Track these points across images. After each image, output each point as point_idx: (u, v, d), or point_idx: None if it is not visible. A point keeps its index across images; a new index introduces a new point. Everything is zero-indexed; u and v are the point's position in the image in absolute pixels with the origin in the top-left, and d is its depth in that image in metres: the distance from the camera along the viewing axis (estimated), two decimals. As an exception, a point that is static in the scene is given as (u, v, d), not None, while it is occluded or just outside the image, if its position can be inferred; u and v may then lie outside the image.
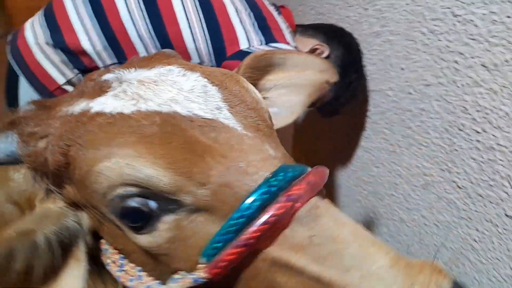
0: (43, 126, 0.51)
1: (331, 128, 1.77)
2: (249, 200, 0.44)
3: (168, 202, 0.46)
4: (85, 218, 0.54)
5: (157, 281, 0.50)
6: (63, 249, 0.50)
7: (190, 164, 0.45)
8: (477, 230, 1.10)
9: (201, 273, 0.45)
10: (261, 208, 0.44)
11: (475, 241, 1.11)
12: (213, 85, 0.53)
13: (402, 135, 1.32)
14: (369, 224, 1.59)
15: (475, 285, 1.14)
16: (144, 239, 0.48)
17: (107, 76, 0.55)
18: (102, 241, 0.55)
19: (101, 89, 0.53)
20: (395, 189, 1.41)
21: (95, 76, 0.57)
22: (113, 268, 0.52)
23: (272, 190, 0.44)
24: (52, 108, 0.54)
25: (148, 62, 0.58)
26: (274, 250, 0.45)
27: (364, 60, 1.43)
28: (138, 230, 0.48)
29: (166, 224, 0.47)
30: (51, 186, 0.52)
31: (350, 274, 0.42)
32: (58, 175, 0.51)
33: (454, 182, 1.15)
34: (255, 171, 0.45)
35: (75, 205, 0.53)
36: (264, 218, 0.43)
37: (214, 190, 0.45)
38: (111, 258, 0.53)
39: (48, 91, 1.20)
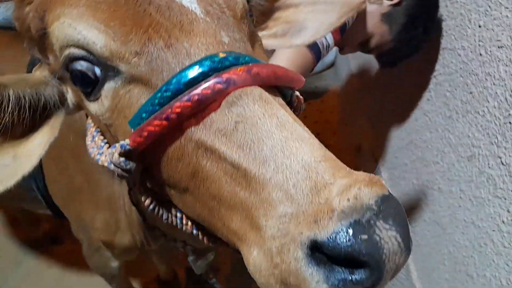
0: None
1: (395, 83, 1.67)
2: (179, 76, 0.43)
3: (108, 69, 0.47)
4: (69, 93, 0.56)
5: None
6: (37, 114, 0.54)
7: (129, 32, 0.45)
8: (508, 211, 1.01)
9: (127, 141, 0.46)
10: (190, 85, 0.43)
11: (503, 223, 1.02)
12: None
13: (462, 100, 1.21)
14: (408, 190, 1.53)
15: (491, 266, 1.07)
16: (92, 107, 0.51)
17: None
18: (88, 121, 0.59)
19: None
20: (442, 157, 1.32)
21: None
22: (87, 141, 0.56)
23: (204, 70, 0.43)
24: None
25: None
26: (200, 132, 0.44)
27: (444, 14, 1.30)
28: (88, 96, 0.50)
29: (106, 92, 0.48)
30: (37, 53, 0.55)
31: (266, 165, 0.41)
32: (40, 42, 0.53)
33: (499, 157, 1.05)
34: (197, 53, 0.44)
35: (61, 78, 0.55)
36: (188, 95, 0.43)
37: (149, 62, 0.45)
38: (90, 131, 0.57)
39: None
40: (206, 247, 0.88)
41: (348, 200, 0.37)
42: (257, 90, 0.44)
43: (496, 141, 1.06)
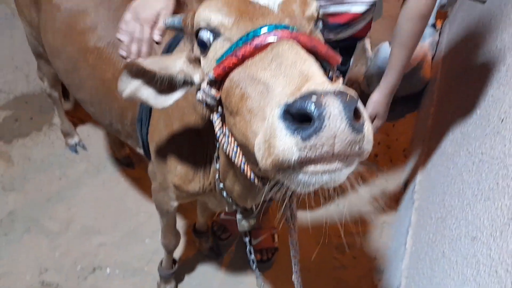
0: (192, 8, 0.86)
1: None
2: (246, 35, 0.68)
3: (216, 34, 0.74)
4: (197, 75, 0.84)
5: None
6: (170, 85, 0.88)
7: (234, 16, 0.71)
8: (475, 298, 1.12)
9: (212, 72, 0.72)
10: (250, 40, 0.67)
11: (468, 305, 1.13)
12: None
13: (490, 186, 1.29)
14: (423, 236, 1.63)
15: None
16: (203, 60, 0.79)
17: None
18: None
19: None
20: (456, 226, 1.41)
21: None
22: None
23: (263, 32, 0.67)
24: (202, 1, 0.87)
25: None
26: (252, 65, 0.66)
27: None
28: (203, 53, 0.78)
29: (211, 48, 0.75)
30: (187, 43, 0.85)
31: (280, 75, 0.61)
32: (192, 34, 0.81)
33: (490, 250, 1.15)
34: (260, 24, 0.69)
35: (194, 61, 0.84)
36: (249, 44, 0.66)
37: (238, 29, 0.71)
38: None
39: None
40: (242, 204, 1.13)
41: (316, 86, 0.53)
42: (292, 41, 0.66)
43: (494, 235, 1.15)
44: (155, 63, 0.85)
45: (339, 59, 0.72)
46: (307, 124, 0.50)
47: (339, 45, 1.40)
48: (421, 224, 1.81)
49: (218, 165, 1.06)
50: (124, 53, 1.07)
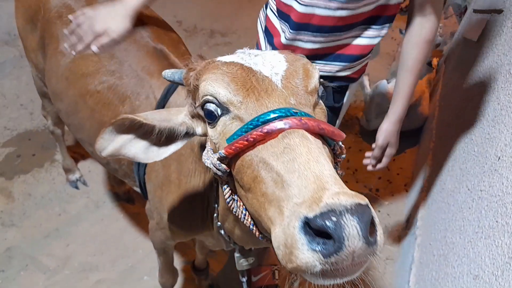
0: (196, 66, 0.86)
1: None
2: (259, 118, 0.70)
3: (224, 109, 0.76)
4: (199, 128, 0.89)
5: (216, 162, 0.80)
6: (170, 137, 0.89)
7: (240, 92, 0.74)
8: None
9: (222, 150, 0.74)
10: (263, 123, 0.69)
11: None
12: (285, 61, 0.79)
13: (490, 225, 1.28)
14: (427, 272, 1.60)
15: None
16: (210, 131, 0.81)
17: (245, 49, 0.86)
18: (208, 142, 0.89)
19: (233, 53, 0.86)
20: (458, 265, 1.39)
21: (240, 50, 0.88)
22: (204, 154, 0.86)
23: (272, 117, 0.69)
24: (204, 57, 0.90)
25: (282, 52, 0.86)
26: (263, 151, 0.68)
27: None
28: (210, 125, 0.80)
29: (220, 123, 0.77)
30: (189, 99, 0.88)
31: (294, 174, 0.63)
32: (193, 92, 0.85)
33: (493, 289, 1.13)
34: (271, 106, 0.72)
35: (195, 116, 0.88)
36: (261, 128, 0.68)
37: (246, 109, 0.73)
38: (207, 148, 0.86)
39: None
40: (241, 244, 1.13)
41: (333, 199, 0.56)
42: (302, 131, 0.68)
43: (496, 274, 1.14)
44: (153, 117, 0.87)
45: (343, 135, 0.75)
46: (326, 236, 0.55)
47: (332, 83, 1.43)
48: (424, 261, 1.78)
49: (216, 205, 1.07)
50: (67, 48, 1.29)
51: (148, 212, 1.45)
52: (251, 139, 0.69)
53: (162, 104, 1.23)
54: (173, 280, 1.69)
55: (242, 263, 1.15)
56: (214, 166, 0.77)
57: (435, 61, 3.27)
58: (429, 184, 2.13)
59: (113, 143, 0.88)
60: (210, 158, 0.80)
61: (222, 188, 0.83)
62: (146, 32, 1.42)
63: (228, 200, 0.82)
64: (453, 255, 1.44)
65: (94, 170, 2.50)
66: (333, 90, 1.48)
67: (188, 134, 0.90)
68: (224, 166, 0.76)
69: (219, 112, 0.76)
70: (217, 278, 2.05)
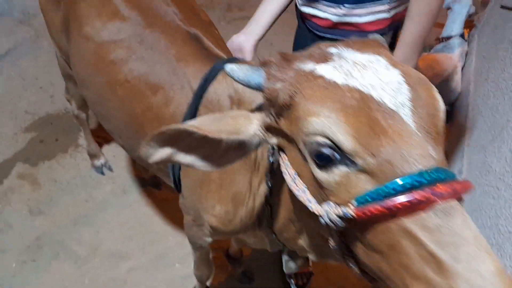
0: (282, 72, 0.70)
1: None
2: (403, 181, 0.58)
3: (346, 158, 0.62)
4: (273, 140, 0.76)
5: (315, 199, 0.70)
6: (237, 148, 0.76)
7: (369, 138, 0.60)
8: None
9: (350, 210, 0.61)
10: (409, 190, 0.57)
11: None
12: (406, 85, 0.64)
13: None
14: None
15: None
16: (320, 174, 0.66)
17: (332, 50, 0.71)
18: (284, 156, 0.77)
19: (325, 58, 0.69)
20: None
21: (323, 46, 0.73)
22: (288, 178, 0.74)
23: (422, 181, 0.57)
24: (289, 61, 0.72)
25: (363, 45, 0.71)
26: (408, 222, 0.58)
27: None
28: (318, 166, 0.65)
29: (339, 171, 0.63)
30: (272, 111, 0.73)
31: (459, 264, 0.54)
32: (280, 108, 0.70)
33: None
34: (413, 162, 0.58)
35: (272, 130, 0.75)
36: (408, 197, 0.57)
37: (379, 162, 0.59)
38: (288, 170, 0.74)
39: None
40: (301, 254, 1.06)
41: None
42: (455, 203, 0.58)
43: None
44: (218, 128, 0.73)
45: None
46: None
47: None
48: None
49: (268, 207, 0.99)
50: None
51: (183, 207, 1.38)
52: (394, 209, 0.58)
53: (200, 94, 1.12)
54: (209, 273, 1.64)
55: (291, 266, 1.08)
56: (331, 221, 0.65)
57: (466, 33, 3.10)
58: (469, 166, 2.03)
59: (163, 151, 0.76)
60: (311, 200, 0.69)
61: (331, 238, 0.71)
62: (176, 14, 1.30)
63: (333, 247, 0.72)
64: (511, 245, 1.36)
65: (119, 155, 2.45)
66: None
67: (255, 145, 0.78)
68: (345, 224, 0.64)
69: (337, 157, 0.63)
70: (250, 265, 2.00)
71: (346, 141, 0.61)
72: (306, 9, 1.37)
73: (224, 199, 1.12)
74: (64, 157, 2.41)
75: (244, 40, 1.39)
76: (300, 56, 0.72)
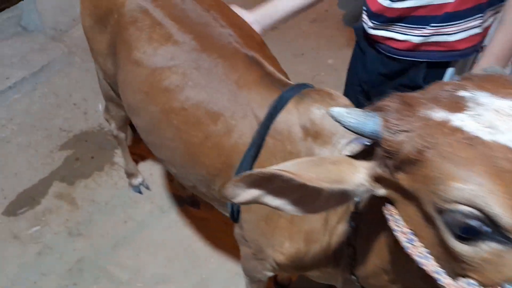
0: (405, 121, 0.60)
1: None
2: None
3: (501, 234, 0.52)
4: (381, 191, 0.67)
5: (443, 270, 0.59)
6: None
7: None
8: None
9: None
10: None
11: None
12: None
13: None
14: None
15: None
16: (460, 247, 0.56)
17: (463, 93, 0.60)
18: (392, 209, 0.67)
19: (458, 105, 0.58)
20: None
21: (448, 88, 0.62)
22: (401, 236, 0.64)
23: None
24: (411, 106, 0.61)
25: (495, 85, 0.60)
26: None
27: None
28: (458, 237, 0.55)
29: (489, 248, 0.53)
30: (388, 163, 0.63)
31: None
32: (402, 162, 0.60)
33: None
34: None
35: (382, 181, 0.66)
36: None
37: None
38: (401, 229, 0.64)
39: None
40: None
41: None
42: None
43: None
44: (319, 175, 0.65)
45: None
46: None
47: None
48: None
49: (351, 248, 0.91)
50: None
51: (239, 238, 1.31)
52: None
53: (267, 124, 1.05)
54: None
55: None
56: None
57: None
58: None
59: (250, 192, 0.70)
60: (438, 272, 0.59)
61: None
62: (231, 36, 1.24)
63: None
64: None
65: (156, 172, 2.40)
66: (428, 64, 1.28)
67: (363, 194, 0.70)
68: None
69: (487, 231, 0.53)
70: (298, 290, 1.92)
71: (505, 216, 0.50)
72: (379, 32, 1.28)
73: (295, 236, 1.05)
74: (101, 175, 2.37)
75: (251, 23, 1.33)
76: (424, 101, 0.62)
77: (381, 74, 1.38)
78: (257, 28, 1.38)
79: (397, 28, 1.24)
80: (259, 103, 1.10)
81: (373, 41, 1.34)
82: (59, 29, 3.06)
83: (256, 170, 0.67)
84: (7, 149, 2.42)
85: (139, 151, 2.45)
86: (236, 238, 1.34)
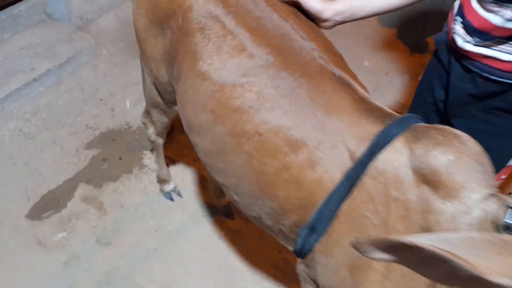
0: None
1: None
2: None
3: None
4: None
5: None
6: None
7: None
8: None
9: None
10: None
11: None
12: None
13: None
14: None
15: None
16: None
17: None
18: None
19: None
20: None
21: None
22: None
23: None
24: None
25: None
26: None
27: None
28: None
29: None
30: None
31: None
32: None
33: None
34: None
35: None
36: None
37: None
38: None
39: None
40: None
41: None
42: None
43: None
44: (483, 261, 0.51)
45: None
46: None
47: None
48: None
49: None
50: None
51: (303, 275, 1.17)
52: None
53: (365, 162, 0.89)
54: None
55: None
56: None
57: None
58: None
59: (384, 255, 0.60)
60: None
61: None
62: (314, 50, 1.08)
63: None
64: None
65: (187, 178, 2.26)
66: None
67: None
68: None
69: None
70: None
71: None
72: (477, 49, 1.12)
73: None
74: (129, 178, 2.23)
75: (319, 12, 1.18)
76: None
77: (470, 95, 1.23)
78: (328, 22, 1.22)
79: (505, 47, 1.09)
80: (353, 134, 0.94)
81: (465, 57, 1.19)
82: (85, 18, 2.90)
83: (399, 236, 0.55)
84: (31, 145, 2.29)
85: (170, 154, 2.31)
86: (298, 274, 1.20)
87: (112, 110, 2.54)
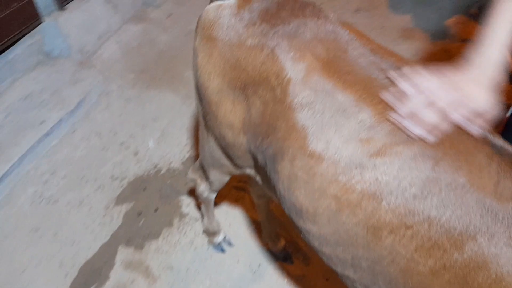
0: None
1: None
2: None
3: None
4: None
5: None
6: None
7: None
8: None
9: None
10: None
11: None
12: None
13: None
14: None
15: None
16: None
17: None
18: None
19: None
20: None
21: None
22: None
23: None
24: None
25: None
26: None
27: None
28: None
29: None
30: None
31: None
32: None
33: None
34: None
35: None
36: None
37: None
38: None
39: None
40: None
41: None
42: None
43: None
44: None
45: None
46: None
47: None
48: None
49: None
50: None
51: None
52: None
53: None
54: None
55: None
56: None
57: None
58: None
59: None
60: None
61: None
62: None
63: None
64: None
65: (234, 222, 2.05)
66: None
67: None
68: None
69: None
70: None
71: None
72: None
73: None
74: (172, 233, 2.01)
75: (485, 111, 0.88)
76: None
77: None
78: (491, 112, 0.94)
79: None
80: None
81: None
82: (85, 50, 2.62)
83: None
84: (55, 211, 2.05)
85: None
86: None
87: (136, 153, 2.30)
